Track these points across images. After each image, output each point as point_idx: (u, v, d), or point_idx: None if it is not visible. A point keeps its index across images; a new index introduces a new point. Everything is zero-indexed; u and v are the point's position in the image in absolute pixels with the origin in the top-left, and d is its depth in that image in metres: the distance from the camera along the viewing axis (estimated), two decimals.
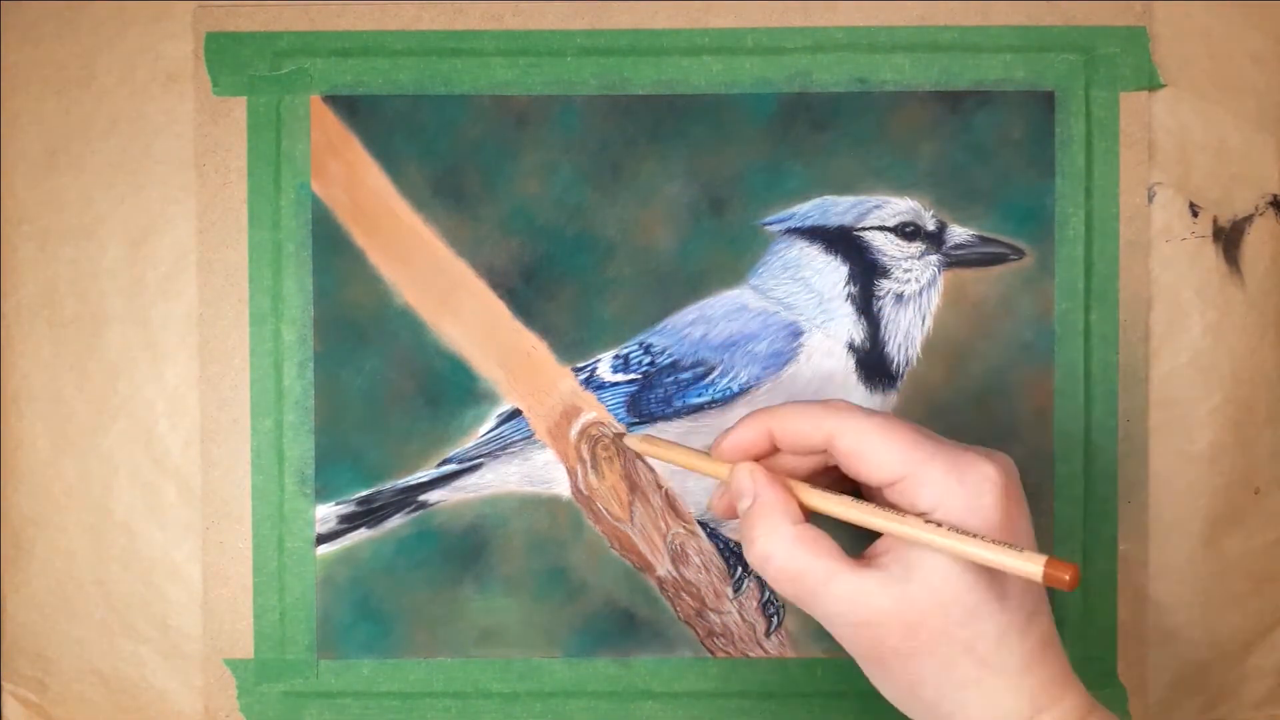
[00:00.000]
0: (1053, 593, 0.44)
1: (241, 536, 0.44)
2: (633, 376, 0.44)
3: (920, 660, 0.32)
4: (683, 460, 0.39)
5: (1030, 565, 0.30)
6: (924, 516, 0.32)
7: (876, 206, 0.44)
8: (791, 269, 0.44)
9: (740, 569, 0.45)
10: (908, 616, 0.31)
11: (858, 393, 0.44)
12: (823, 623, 0.33)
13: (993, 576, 0.32)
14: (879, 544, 0.34)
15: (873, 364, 0.44)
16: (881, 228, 0.44)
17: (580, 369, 0.44)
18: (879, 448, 0.33)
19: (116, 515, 0.45)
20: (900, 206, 0.44)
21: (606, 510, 0.44)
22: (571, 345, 0.44)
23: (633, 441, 0.41)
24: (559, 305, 0.44)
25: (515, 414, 0.44)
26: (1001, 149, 0.44)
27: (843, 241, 0.44)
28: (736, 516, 0.37)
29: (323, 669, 0.45)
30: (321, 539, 0.44)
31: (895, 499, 0.33)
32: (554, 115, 0.44)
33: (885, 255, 0.44)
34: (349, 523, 0.44)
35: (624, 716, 0.44)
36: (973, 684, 0.32)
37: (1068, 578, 0.30)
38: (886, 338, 0.44)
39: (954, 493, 0.32)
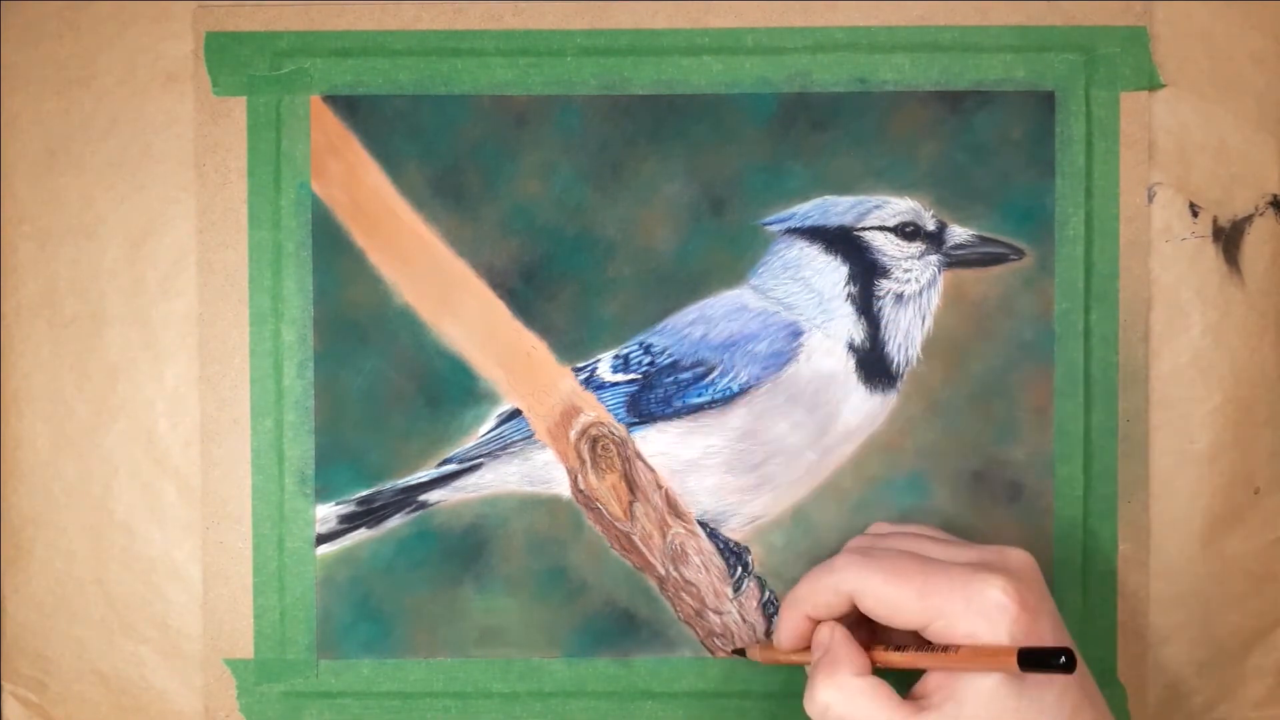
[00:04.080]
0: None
1: (241, 536, 0.44)
2: (633, 376, 0.44)
3: None
4: (792, 659, 0.40)
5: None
6: (964, 643, 0.34)
7: (876, 206, 0.44)
8: (791, 269, 0.44)
9: (740, 569, 0.45)
10: None
11: (858, 393, 0.44)
12: None
13: (1031, 688, 0.34)
14: (926, 682, 0.35)
15: (873, 364, 0.44)
16: (881, 228, 0.44)
17: (580, 369, 0.44)
18: (894, 601, 0.35)
19: (116, 515, 0.45)
20: (900, 206, 0.44)
21: (606, 510, 0.44)
22: (571, 345, 0.44)
23: (755, 654, 0.42)
24: (559, 305, 0.44)
25: (515, 414, 0.44)
26: (1001, 149, 0.44)
27: (843, 241, 0.44)
28: None
29: (323, 669, 0.45)
30: (321, 539, 0.44)
31: (933, 636, 0.35)
32: (554, 115, 0.44)
33: (885, 255, 0.44)
34: (349, 523, 0.44)
35: (624, 716, 0.44)
36: None
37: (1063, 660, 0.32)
38: (886, 338, 0.44)
39: (976, 622, 0.34)
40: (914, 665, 0.35)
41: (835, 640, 0.36)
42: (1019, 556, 0.36)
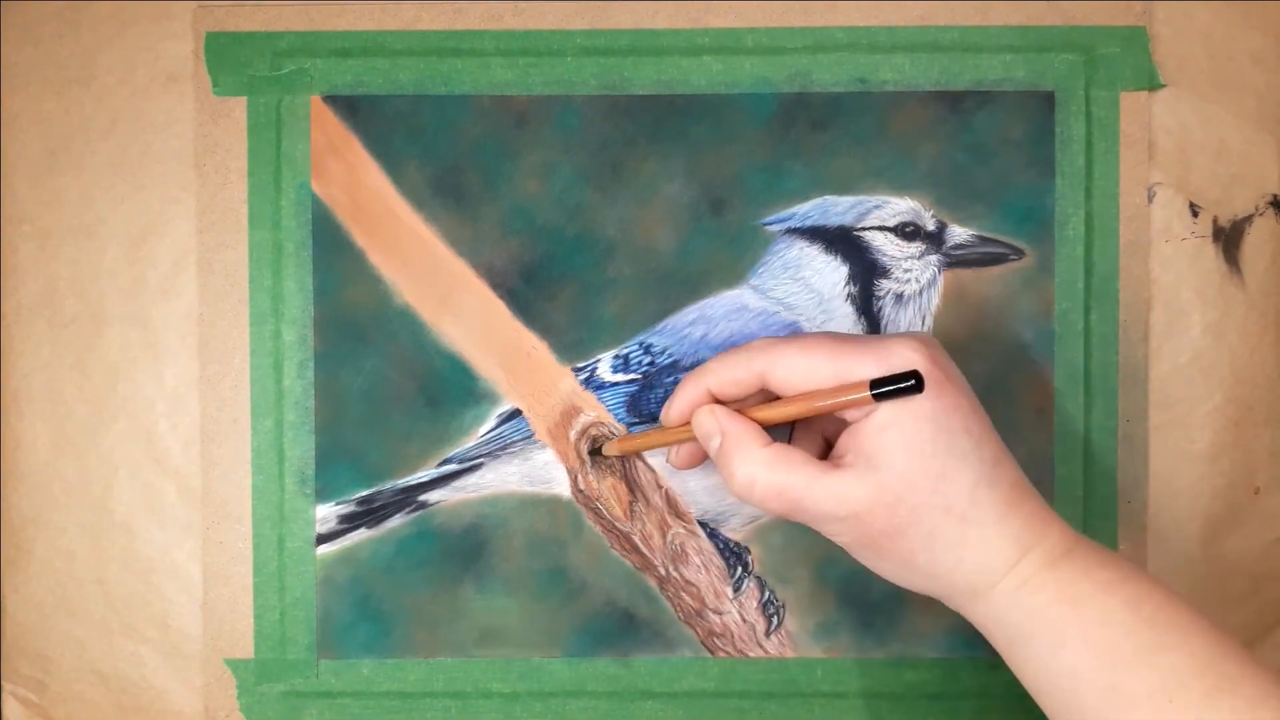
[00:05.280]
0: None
1: (241, 536, 0.44)
2: (633, 376, 0.44)
3: (907, 533, 0.34)
4: (652, 442, 0.41)
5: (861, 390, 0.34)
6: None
7: (876, 206, 0.44)
8: (791, 269, 0.44)
9: (740, 569, 0.45)
10: (885, 499, 0.34)
11: None
12: (813, 525, 0.36)
13: (948, 442, 0.34)
14: (838, 446, 0.36)
15: None
16: (881, 228, 0.44)
17: (580, 369, 0.44)
18: (808, 368, 0.35)
19: (116, 515, 0.45)
20: (900, 206, 0.44)
21: (606, 510, 0.44)
22: (571, 345, 0.44)
23: (611, 449, 0.43)
24: (559, 305, 0.44)
25: (515, 414, 0.44)
26: (1001, 149, 0.44)
27: (843, 241, 0.44)
28: (696, 464, 0.40)
29: (323, 669, 0.45)
30: (321, 539, 0.44)
31: None
32: (554, 115, 0.44)
33: (885, 255, 0.44)
34: (349, 523, 0.44)
35: (624, 716, 0.44)
36: (959, 540, 0.34)
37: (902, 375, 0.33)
38: None
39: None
40: (785, 417, 0.36)
41: (725, 420, 0.36)
42: (924, 333, 0.36)
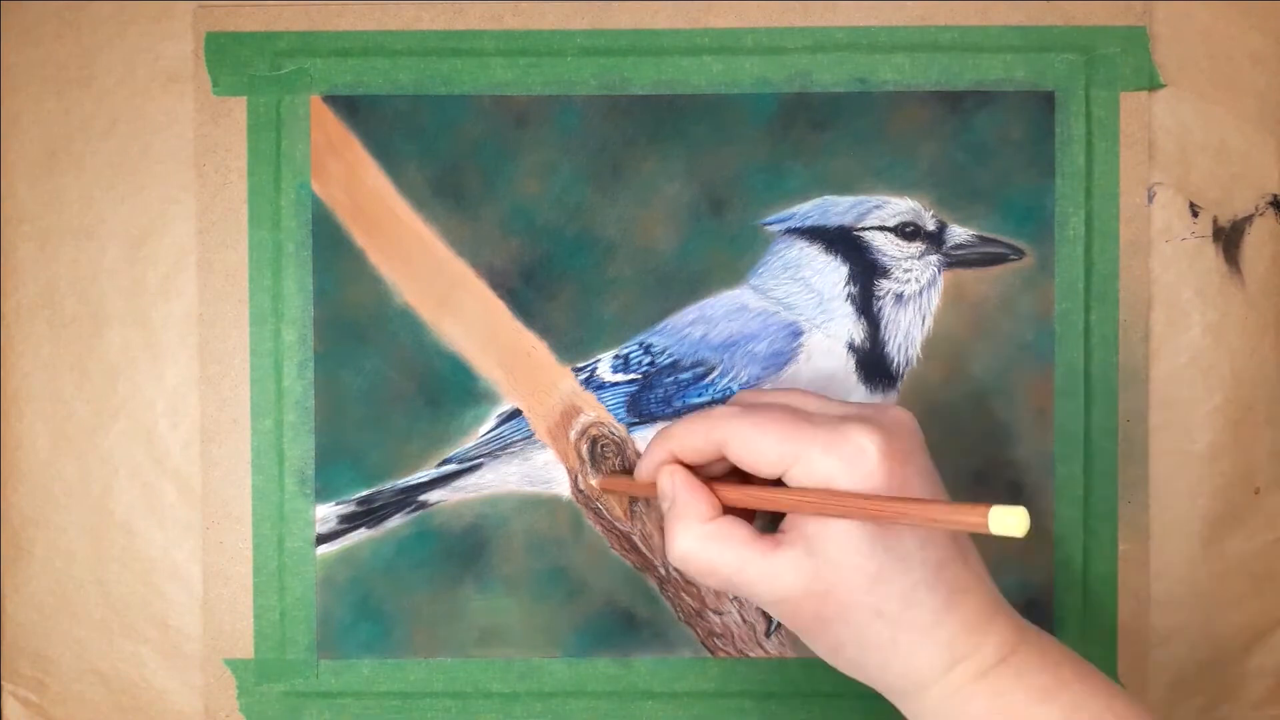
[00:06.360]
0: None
1: (241, 536, 0.44)
2: (633, 376, 0.44)
3: (836, 626, 0.33)
4: (632, 488, 0.40)
5: (971, 517, 0.29)
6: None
7: (876, 206, 0.44)
8: (791, 269, 0.44)
9: None
10: (816, 589, 0.33)
11: (858, 393, 0.44)
12: (751, 602, 0.35)
13: (890, 541, 0.32)
14: (785, 522, 0.35)
15: (873, 364, 0.44)
16: (881, 228, 0.44)
17: (580, 369, 0.44)
18: (758, 446, 0.34)
19: (116, 515, 0.45)
20: (900, 206, 0.44)
21: (606, 510, 0.44)
22: (571, 345, 0.44)
23: (600, 481, 0.43)
24: (559, 305, 0.44)
25: (515, 414, 0.44)
26: (1001, 149, 0.44)
27: (843, 241, 0.44)
28: None
29: (323, 669, 0.45)
30: (321, 539, 0.44)
31: (792, 482, 0.34)
32: (554, 115, 0.44)
33: (885, 255, 0.44)
34: (349, 523, 0.44)
35: (624, 716, 0.44)
36: (887, 643, 0.33)
37: (1014, 520, 0.28)
38: (886, 338, 0.44)
39: (837, 469, 0.32)
40: (751, 503, 0.35)
41: (678, 487, 0.35)
42: (897, 412, 0.35)
